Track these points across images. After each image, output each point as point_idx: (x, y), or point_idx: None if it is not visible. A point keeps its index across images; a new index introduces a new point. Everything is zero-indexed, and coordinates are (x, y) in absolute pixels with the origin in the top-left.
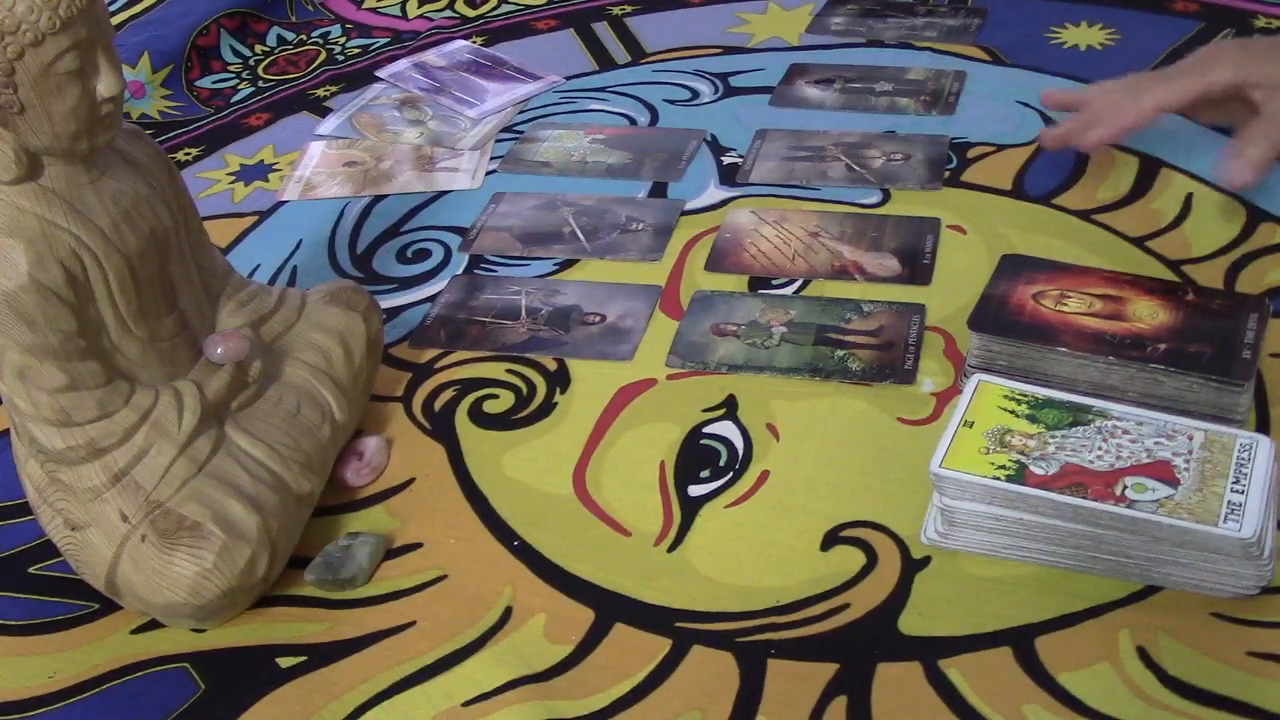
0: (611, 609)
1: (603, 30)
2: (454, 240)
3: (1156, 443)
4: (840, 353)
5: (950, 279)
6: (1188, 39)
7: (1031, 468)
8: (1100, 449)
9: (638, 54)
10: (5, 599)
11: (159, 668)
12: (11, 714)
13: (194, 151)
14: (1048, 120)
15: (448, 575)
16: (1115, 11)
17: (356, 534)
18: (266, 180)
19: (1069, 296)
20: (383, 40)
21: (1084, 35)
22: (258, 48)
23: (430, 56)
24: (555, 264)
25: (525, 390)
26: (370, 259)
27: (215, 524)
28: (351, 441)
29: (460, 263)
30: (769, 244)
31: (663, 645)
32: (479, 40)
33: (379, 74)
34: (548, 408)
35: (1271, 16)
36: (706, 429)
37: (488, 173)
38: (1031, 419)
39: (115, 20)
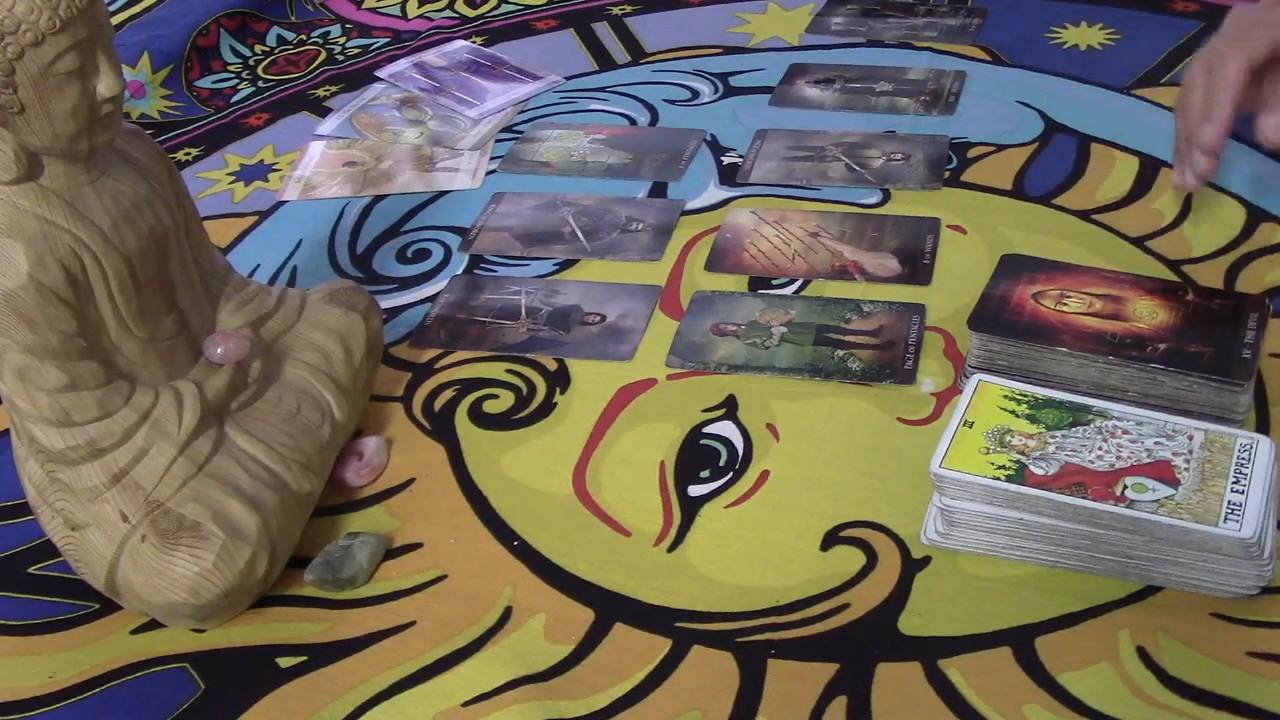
0: (611, 609)
1: (603, 30)
2: (454, 240)
3: (1156, 443)
4: (840, 353)
5: (950, 279)
6: (1188, 39)
7: (1031, 468)
8: (1100, 449)
9: (638, 54)
10: (5, 599)
11: (159, 668)
12: (11, 714)
13: (194, 151)
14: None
15: (448, 575)
16: (1115, 11)
17: (356, 534)
18: (266, 180)
19: (1069, 296)
20: (383, 40)
21: (1084, 35)
22: (258, 48)
23: (430, 56)
24: (555, 264)
25: (525, 390)
26: (370, 259)
27: (215, 524)
28: (351, 441)
29: (460, 263)
30: (769, 244)
31: (663, 645)
32: (479, 40)
33: (379, 74)
34: (548, 408)
35: None
36: (706, 429)
37: (488, 173)
38: (1031, 419)
39: (115, 20)
